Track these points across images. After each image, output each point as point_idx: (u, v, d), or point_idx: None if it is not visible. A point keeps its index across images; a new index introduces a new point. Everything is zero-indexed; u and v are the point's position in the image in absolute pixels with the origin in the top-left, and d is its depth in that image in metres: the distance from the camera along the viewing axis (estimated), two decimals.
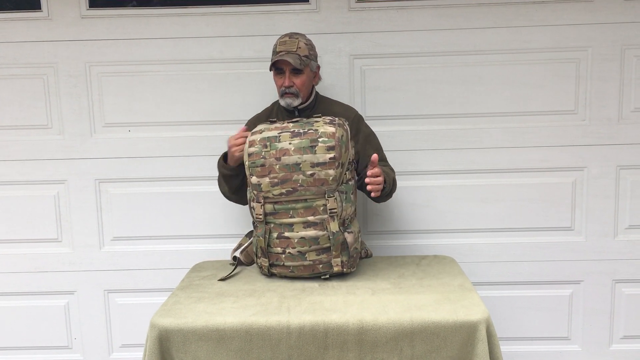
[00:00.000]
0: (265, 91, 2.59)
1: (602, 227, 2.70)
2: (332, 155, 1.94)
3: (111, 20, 2.62)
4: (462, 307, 1.79)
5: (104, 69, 2.65)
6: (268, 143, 1.98)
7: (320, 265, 2.03)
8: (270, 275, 2.12)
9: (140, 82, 2.66)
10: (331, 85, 2.64)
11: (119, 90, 2.66)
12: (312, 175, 1.94)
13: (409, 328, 1.72)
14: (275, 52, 2.23)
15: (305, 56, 2.22)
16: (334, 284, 2.02)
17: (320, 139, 1.95)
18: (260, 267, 2.12)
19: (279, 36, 2.29)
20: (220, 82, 2.66)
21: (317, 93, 2.38)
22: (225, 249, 2.65)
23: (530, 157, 2.66)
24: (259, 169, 1.98)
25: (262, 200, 2.00)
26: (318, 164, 1.94)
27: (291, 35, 2.25)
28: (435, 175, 2.69)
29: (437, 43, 2.62)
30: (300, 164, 1.94)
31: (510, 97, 2.64)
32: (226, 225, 2.72)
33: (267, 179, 1.97)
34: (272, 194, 1.98)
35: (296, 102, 2.24)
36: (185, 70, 2.65)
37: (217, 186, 2.41)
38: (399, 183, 2.65)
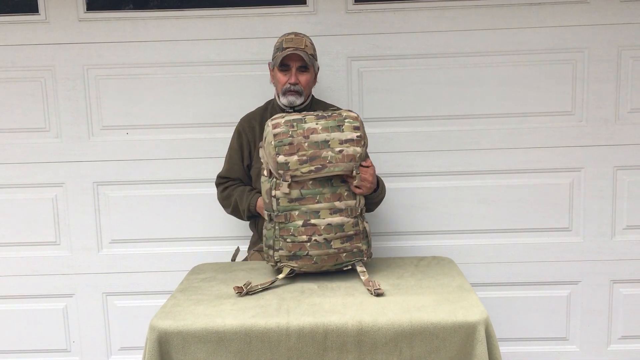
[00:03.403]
0: (262, 93, 2.58)
1: (599, 227, 2.70)
2: (358, 133, 1.96)
3: (109, 23, 2.62)
4: (461, 308, 1.79)
5: (102, 72, 2.65)
6: (295, 123, 1.96)
7: (344, 254, 2.00)
8: (291, 271, 2.02)
9: (138, 84, 2.66)
10: (329, 87, 2.65)
11: (116, 92, 2.66)
12: (340, 151, 1.93)
13: (408, 329, 1.72)
14: (281, 49, 2.23)
15: (312, 55, 2.26)
16: (333, 286, 2.01)
17: (346, 120, 1.97)
18: (276, 262, 2.03)
19: (282, 35, 2.31)
20: (218, 85, 2.66)
21: (312, 95, 2.39)
22: (224, 251, 2.64)
23: (527, 158, 2.67)
24: (286, 147, 1.93)
25: (289, 179, 1.94)
26: (346, 141, 1.94)
27: (296, 33, 2.29)
28: (433, 176, 2.69)
29: (434, 45, 2.62)
30: (329, 141, 1.93)
31: (507, 99, 2.64)
32: (225, 227, 2.71)
33: (295, 157, 1.93)
34: (301, 172, 1.93)
35: (299, 101, 2.26)
36: (183, 72, 2.65)
37: (215, 187, 2.42)
38: (397, 185, 2.66)
